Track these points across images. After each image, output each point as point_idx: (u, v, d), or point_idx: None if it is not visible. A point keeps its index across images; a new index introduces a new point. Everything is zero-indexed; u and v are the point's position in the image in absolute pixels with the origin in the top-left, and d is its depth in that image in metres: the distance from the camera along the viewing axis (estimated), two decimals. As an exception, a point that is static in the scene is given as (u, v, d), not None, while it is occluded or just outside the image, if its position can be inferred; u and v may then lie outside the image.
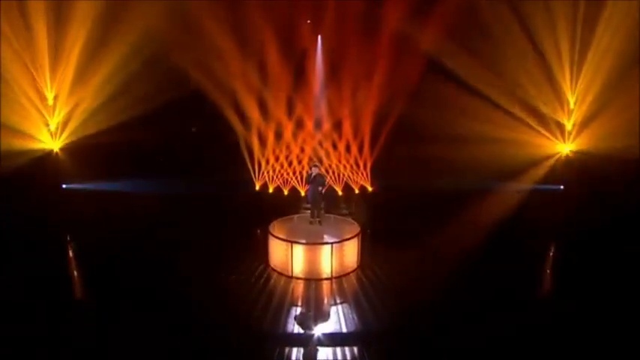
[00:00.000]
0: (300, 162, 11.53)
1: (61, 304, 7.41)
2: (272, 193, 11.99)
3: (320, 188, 9.22)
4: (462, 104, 10.96)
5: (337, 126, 11.60)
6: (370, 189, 12.02)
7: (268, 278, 8.54)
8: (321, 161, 11.13)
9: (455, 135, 10.84)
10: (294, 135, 11.51)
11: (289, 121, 11.45)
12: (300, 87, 11.37)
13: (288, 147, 11.49)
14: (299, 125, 11.50)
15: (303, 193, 11.74)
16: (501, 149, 11.06)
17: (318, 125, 11.58)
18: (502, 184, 11.42)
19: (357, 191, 12.03)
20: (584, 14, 10.86)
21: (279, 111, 11.31)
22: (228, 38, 10.55)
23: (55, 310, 7.13)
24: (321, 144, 11.52)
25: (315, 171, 9.19)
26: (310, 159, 11.30)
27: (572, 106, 11.95)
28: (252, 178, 11.90)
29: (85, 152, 11.47)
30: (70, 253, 9.81)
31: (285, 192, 11.98)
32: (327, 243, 8.51)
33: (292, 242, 8.47)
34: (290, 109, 11.43)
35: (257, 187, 12.07)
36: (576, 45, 11.27)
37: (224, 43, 10.61)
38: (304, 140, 11.39)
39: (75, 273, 8.97)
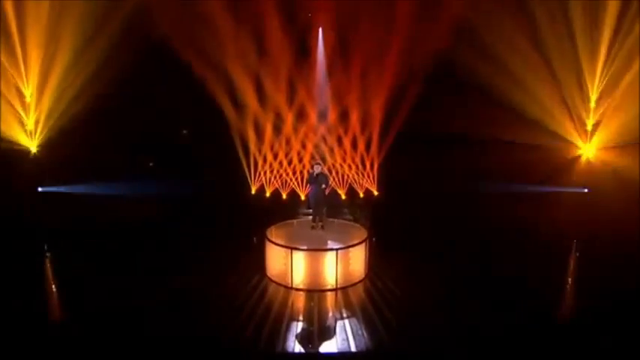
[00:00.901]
0: (301, 160, 10.72)
1: (33, 323, 6.57)
2: (269, 197, 11.18)
3: (323, 188, 8.45)
4: (479, 102, 10.31)
5: (344, 117, 10.74)
6: (376, 193, 11.24)
7: (265, 290, 7.80)
8: (324, 159, 10.29)
9: (471, 134, 10.27)
10: (295, 128, 10.64)
11: (289, 110, 10.55)
12: (302, 69, 10.47)
13: (288, 142, 10.65)
14: (300, 116, 10.63)
15: (303, 197, 10.97)
16: (521, 149, 10.54)
17: (322, 116, 10.74)
18: (522, 187, 10.73)
19: (361, 195, 11.24)
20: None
21: (278, 98, 10.37)
22: (221, 12, 9.65)
23: (26, 331, 6.30)
24: (324, 139, 10.68)
25: (317, 169, 8.46)
26: (312, 157, 10.48)
27: (592, 104, 11.31)
28: (247, 180, 11.06)
29: (65, 153, 10.67)
30: (47, 265, 8.98)
31: (284, 195, 11.19)
32: (331, 249, 7.75)
33: (292, 248, 7.68)
34: (291, 97, 10.54)
35: (253, 191, 11.27)
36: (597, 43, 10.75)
37: (216, 17, 9.74)
38: (306, 135, 10.52)
39: (51, 288, 8.07)
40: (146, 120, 10.79)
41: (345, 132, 10.66)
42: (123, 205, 10.58)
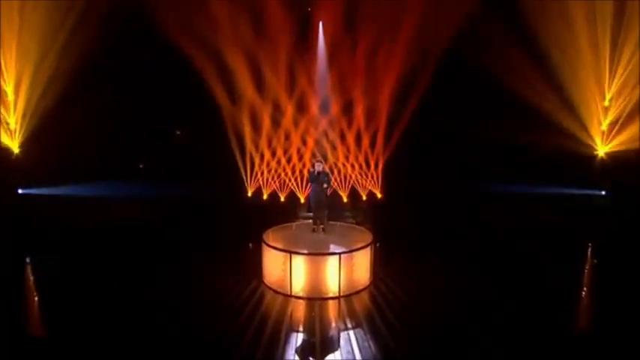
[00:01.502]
0: (300, 158, 10.18)
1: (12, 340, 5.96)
2: (267, 200, 10.63)
3: (324, 187, 7.94)
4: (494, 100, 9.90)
5: (347, 109, 10.13)
6: (379, 195, 10.72)
7: (262, 298, 7.23)
8: (325, 158, 9.74)
9: (483, 134, 9.83)
10: (295, 121, 10.05)
11: (289, 101, 9.94)
12: (303, 54, 9.87)
13: (287, 137, 10.08)
14: (301, 108, 10.05)
15: (302, 200, 10.44)
16: (536, 149, 10.15)
17: (324, 108, 10.16)
18: (536, 188, 10.31)
19: (364, 197, 10.72)
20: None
21: (276, 87, 9.73)
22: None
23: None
24: (326, 134, 10.12)
25: (318, 167, 7.95)
26: (313, 154, 9.94)
27: (606, 103, 10.90)
28: (243, 182, 10.52)
29: (49, 153, 10.14)
30: (28, 275, 8.36)
31: (282, 198, 10.65)
32: (333, 253, 7.22)
33: (291, 253, 7.14)
34: (291, 85, 9.91)
35: (249, 193, 10.74)
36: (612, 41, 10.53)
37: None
38: (306, 129, 9.95)
39: (33, 300, 7.40)
40: (136, 120, 10.23)
41: (349, 126, 10.06)
42: (110, 208, 10.08)
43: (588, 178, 10.58)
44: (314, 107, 9.98)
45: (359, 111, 9.83)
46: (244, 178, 10.45)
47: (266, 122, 9.89)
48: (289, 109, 9.84)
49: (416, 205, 10.37)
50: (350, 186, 10.60)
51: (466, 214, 10.26)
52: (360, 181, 10.53)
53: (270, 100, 9.90)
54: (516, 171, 10.24)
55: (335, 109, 10.05)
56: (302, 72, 9.71)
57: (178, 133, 12.46)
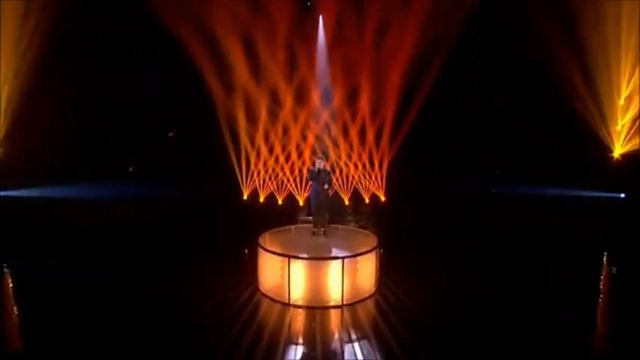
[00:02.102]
0: (300, 155, 9.65)
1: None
2: (264, 203, 10.12)
3: (325, 187, 7.44)
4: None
5: (351, 100, 9.53)
6: (383, 198, 10.21)
7: (257, 307, 6.71)
8: (326, 156, 9.19)
9: (496, 132, 9.52)
10: (294, 115, 9.46)
11: (288, 91, 9.34)
12: (303, 39, 9.27)
13: (285, 133, 9.53)
14: (300, 99, 9.46)
15: (302, 202, 9.93)
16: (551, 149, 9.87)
17: (326, 99, 9.56)
18: (551, 191, 9.94)
19: (367, 200, 10.21)
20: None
21: (275, 74, 9.11)
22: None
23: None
24: (328, 128, 9.56)
25: (319, 165, 7.45)
26: (313, 151, 9.40)
27: (621, 101, 10.49)
28: (237, 183, 9.99)
29: (30, 154, 9.65)
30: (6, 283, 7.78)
31: (280, 201, 10.14)
32: (336, 258, 6.70)
33: (290, 257, 6.62)
34: (290, 73, 9.30)
35: (245, 195, 10.22)
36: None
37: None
38: (306, 122, 9.37)
39: (12, 313, 6.78)
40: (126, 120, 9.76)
41: (352, 119, 9.47)
42: (96, 211, 9.54)
43: (604, 180, 10.05)
44: (315, 97, 9.36)
45: (363, 102, 9.20)
46: (240, 178, 9.89)
47: (263, 115, 9.27)
48: (288, 100, 9.23)
49: (423, 207, 9.89)
50: (352, 188, 10.05)
51: (477, 217, 9.85)
52: (362, 182, 9.99)
53: (268, 90, 9.26)
54: (530, 172, 9.76)
55: (337, 99, 9.43)
56: (302, 57, 9.07)
57: (171, 134, 12.01)
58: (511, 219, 9.85)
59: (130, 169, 11.41)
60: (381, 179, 9.84)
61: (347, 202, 10.17)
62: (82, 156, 10.05)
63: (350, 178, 9.92)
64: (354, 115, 9.42)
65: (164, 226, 9.89)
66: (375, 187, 9.99)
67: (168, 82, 9.60)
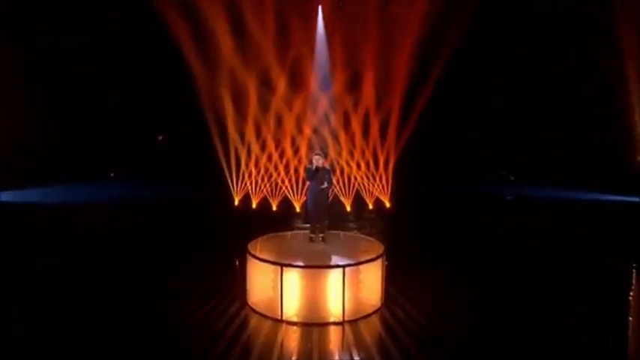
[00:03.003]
0: (296, 152, 8.87)
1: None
2: (256, 209, 9.38)
3: (325, 187, 6.70)
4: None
5: (353, 86, 8.70)
6: (388, 205, 9.46)
7: (245, 324, 5.95)
8: (325, 152, 8.37)
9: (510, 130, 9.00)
10: (288, 103, 8.61)
11: (281, 74, 8.47)
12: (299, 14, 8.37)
13: (280, 126, 8.72)
14: (295, 85, 8.61)
15: (298, 208, 9.18)
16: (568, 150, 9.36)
17: (324, 85, 8.72)
18: (567, 194, 9.48)
19: (371, 206, 9.45)
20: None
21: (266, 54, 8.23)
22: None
23: None
24: (327, 119, 8.74)
25: (317, 162, 6.73)
26: (311, 148, 8.59)
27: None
28: (226, 185, 9.25)
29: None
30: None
31: (274, 206, 9.39)
32: (336, 266, 5.93)
33: (282, 265, 5.84)
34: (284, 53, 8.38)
35: (236, 201, 9.48)
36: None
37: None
38: (302, 113, 8.56)
39: None
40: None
41: (355, 109, 8.62)
42: (73, 216, 8.85)
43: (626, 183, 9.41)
44: (312, 82, 8.52)
45: (367, 87, 8.35)
46: (229, 181, 9.14)
47: (253, 101, 8.42)
48: (281, 85, 8.38)
49: (432, 213, 9.16)
50: (354, 191, 9.28)
51: (493, 223, 9.30)
52: (366, 185, 9.21)
53: (259, 72, 8.39)
54: (547, 174, 9.13)
55: (338, 85, 8.58)
56: (298, 35, 8.21)
57: (160, 138, 11.39)
58: (527, 225, 9.32)
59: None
60: (387, 181, 9.04)
61: (349, 208, 9.38)
62: (63, 157, 9.37)
63: (352, 180, 9.09)
64: (356, 104, 8.50)
65: (146, 232, 9.30)
66: (379, 191, 9.20)
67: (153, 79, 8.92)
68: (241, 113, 8.47)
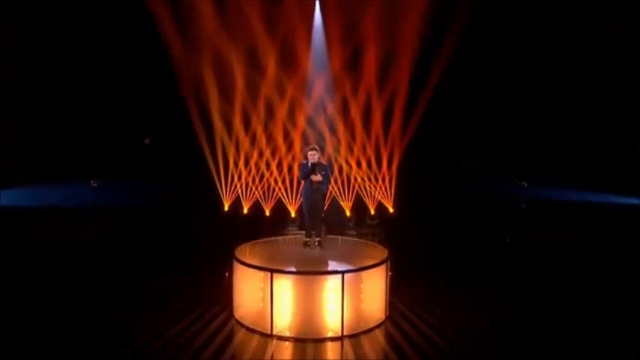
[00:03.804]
0: (290, 147, 8.22)
1: None
2: (247, 215, 8.77)
3: (319, 180, 6.12)
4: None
5: (353, 64, 7.94)
6: (392, 210, 8.84)
7: (229, 339, 5.29)
8: (321, 146, 7.64)
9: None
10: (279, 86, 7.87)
11: (271, 51, 7.68)
12: None
13: (271, 117, 8.04)
14: (286, 64, 7.86)
15: (293, 213, 8.57)
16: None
17: (319, 65, 7.97)
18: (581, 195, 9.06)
19: (372, 212, 8.83)
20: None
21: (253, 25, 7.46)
22: None
23: None
24: (323, 106, 8.06)
25: (313, 158, 6.15)
26: (306, 143, 7.90)
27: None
28: (213, 186, 8.63)
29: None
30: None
31: (267, 212, 8.77)
32: (334, 272, 5.27)
33: (273, 271, 5.21)
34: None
35: (226, 207, 8.87)
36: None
37: None
38: (295, 98, 7.85)
39: None
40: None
41: (354, 93, 7.85)
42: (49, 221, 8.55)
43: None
44: (305, 62, 7.79)
45: (369, 64, 7.55)
46: (218, 184, 8.51)
47: (240, 85, 7.69)
48: (271, 65, 7.65)
49: (440, 217, 8.69)
50: (355, 194, 8.65)
51: (506, 228, 8.88)
52: (367, 187, 8.58)
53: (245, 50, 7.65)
54: (564, 176, 8.85)
55: (335, 64, 7.82)
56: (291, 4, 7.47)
57: (147, 141, 10.83)
58: (544, 232, 8.87)
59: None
60: (390, 182, 8.40)
61: (348, 214, 8.75)
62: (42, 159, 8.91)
63: (352, 181, 8.45)
64: (356, 84, 7.75)
65: (125, 241, 8.74)
66: (381, 194, 8.57)
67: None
68: (227, 99, 7.77)
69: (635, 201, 8.95)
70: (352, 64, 7.59)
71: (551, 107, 9.11)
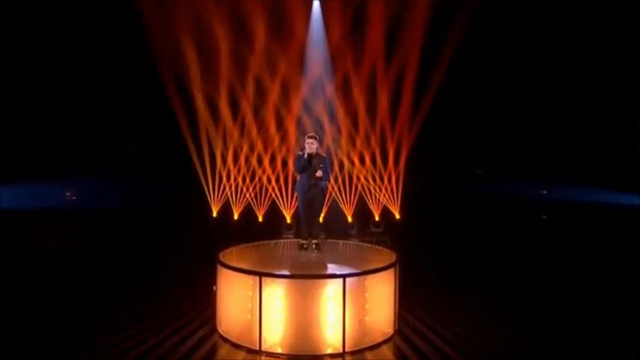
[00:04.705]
0: (283, 137, 7.56)
1: None
2: (237, 220, 8.15)
3: (318, 175, 5.47)
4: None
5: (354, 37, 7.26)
6: (398, 216, 8.23)
7: (211, 355, 4.64)
8: (320, 136, 6.89)
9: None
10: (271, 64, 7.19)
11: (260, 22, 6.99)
12: None
13: (265, 98, 7.37)
14: (278, 38, 7.17)
15: (289, 219, 7.94)
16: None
17: (317, 40, 7.26)
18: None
19: (377, 217, 8.21)
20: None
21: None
22: None
23: None
24: (322, 89, 7.39)
25: (311, 148, 5.51)
26: (302, 132, 7.20)
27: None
28: (203, 195, 8.05)
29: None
30: None
31: (260, 217, 8.13)
32: (333, 276, 4.60)
33: (262, 275, 4.55)
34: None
35: (214, 212, 8.24)
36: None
37: None
38: (290, 78, 7.17)
39: None
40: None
41: (356, 73, 7.10)
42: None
43: None
44: (301, 30, 7.03)
45: (375, 39, 6.84)
46: (205, 186, 7.90)
47: (225, 63, 6.96)
48: (260, 39, 6.90)
49: (452, 221, 8.39)
50: (357, 197, 8.01)
51: (521, 233, 8.64)
52: (371, 189, 7.95)
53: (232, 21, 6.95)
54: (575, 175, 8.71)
55: (334, 37, 7.06)
56: None
57: (134, 147, 10.40)
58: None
59: (73, 198, 9.77)
60: (397, 183, 7.75)
61: (350, 219, 8.12)
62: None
63: (355, 181, 7.80)
64: (358, 63, 7.06)
65: (106, 249, 8.33)
66: (386, 198, 7.94)
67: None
68: (211, 78, 7.15)
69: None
70: (354, 30, 6.95)
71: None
